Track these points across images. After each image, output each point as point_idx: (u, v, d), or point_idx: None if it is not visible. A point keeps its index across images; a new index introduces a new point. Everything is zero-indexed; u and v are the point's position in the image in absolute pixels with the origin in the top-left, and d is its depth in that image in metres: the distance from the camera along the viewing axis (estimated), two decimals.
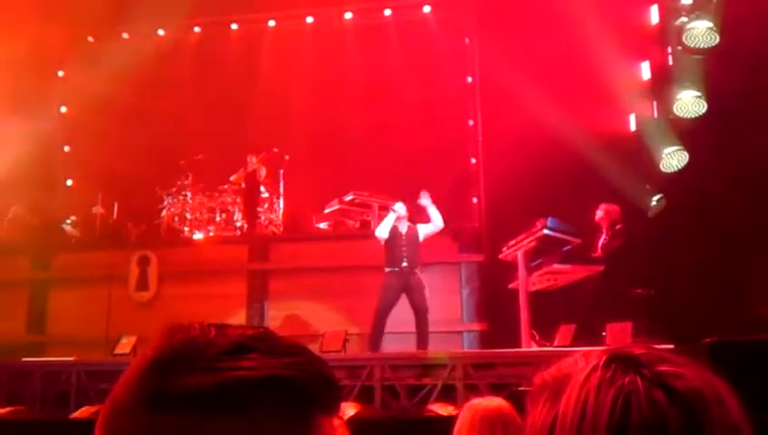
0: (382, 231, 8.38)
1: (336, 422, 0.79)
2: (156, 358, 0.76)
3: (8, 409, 7.38)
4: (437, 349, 8.01)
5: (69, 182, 12.65)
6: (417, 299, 8.17)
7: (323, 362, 0.80)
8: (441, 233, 9.85)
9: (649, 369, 0.80)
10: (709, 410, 0.78)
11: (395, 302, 8.22)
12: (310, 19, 12.73)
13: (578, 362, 0.85)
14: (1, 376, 7.88)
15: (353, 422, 2.23)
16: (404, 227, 8.42)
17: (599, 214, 8.34)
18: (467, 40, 11.95)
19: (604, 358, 0.83)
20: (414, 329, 8.17)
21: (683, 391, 0.78)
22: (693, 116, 9.43)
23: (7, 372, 7.94)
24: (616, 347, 0.85)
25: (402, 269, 8.20)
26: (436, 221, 8.53)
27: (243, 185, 11.26)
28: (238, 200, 11.39)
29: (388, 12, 12.52)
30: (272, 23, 12.89)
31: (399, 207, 8.43)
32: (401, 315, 8.28)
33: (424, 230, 8.51)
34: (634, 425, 0.76)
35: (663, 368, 0.80)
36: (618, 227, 8.22)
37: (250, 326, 0.81)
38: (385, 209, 9.29)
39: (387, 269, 8.30)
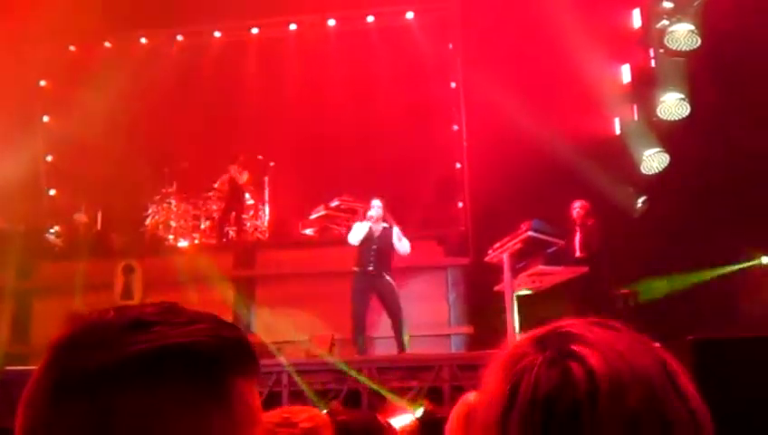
0: (353, 237, 8.32)
1: (254, 388, 0.77)
2: (56, 345, 0.75)
3: None
4: (425, 352, 8.01)
5: (52, 192, 12.56)
6: (388, 303, 8.10)
7: (232, 326, 0.78)
8: (427, 237, 9.87)
9: (559, 345, 0.79)
10: (600, 397, 0.74)
11: (366, 303, 8.16)
12: (293, 26, 12.73)
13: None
14: None
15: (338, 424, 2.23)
16: (378, 230, 8.33)
17: (577, 211, 8.38)
18: (450, 45, 11.99)
19: (534, 336, 0.83)
20: (410, 333, 8.16)
21: (577, 374, 0.75)
22: (676, 118, 9.50)
23: None
24: (555, 324, 0.84)
25: (367, 272, 8.13)
26: (404, 247, 8.33)
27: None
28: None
29: (371, 18, 12.54)
30: (255, 30, 12.87)
31: (374, 211, 8.33)
32: (387, 320, 8.27)
33: (397, 240, 8.38)
34: (521, 404, 0.76)
35: (573, 347, 0.78)
36: (590, 222, 8.26)
37: (152, 303, 0.79)
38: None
39: (354, 269, 8.23)
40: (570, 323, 0.82)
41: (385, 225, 8.35)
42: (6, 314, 10.43)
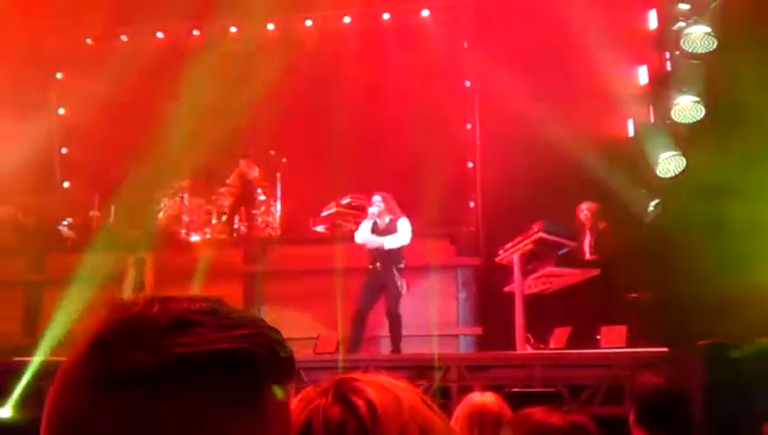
0: (359, 236, 8.29)
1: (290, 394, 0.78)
2: (98, 336, 0.74)
3: None
4: (434, 352, 7.99)
5: (66, 184, 12.64)
6: (390, 302, 8.05)
7: (274, 331, 0.77)
8: (438, 236, 9.84)
9: (338, 389, 1.00)
10: (380, 416, 0.96)
11: (372, 302, 8.10)
12: (309, 23, 12.74)
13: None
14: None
15: None
16: (383, 225, 8.25)
17: (585, 213, 8.33)
18: (465, 44, 11.95)
19: (316, 389, 1.03)
20: (414, 332, 8.13)
21: (358, 404, 0.97)
22: (691, 121, 9.42)
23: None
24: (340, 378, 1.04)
25: (376, 268, 8.10)
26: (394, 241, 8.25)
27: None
28: None
29: (386, 16, 12.53)
30: (270, 26, 12.90)
31: (374, 207, 8.27)
32: (404, 320, 8.24)
33: (402, 230, 8.27)
34: None
35: (350, 385, 1.00)
36: (602, 226, 8.21)
37: (198, 298, 0.77)
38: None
39: (369, 267, 8.19)
40: (343, 376, 1.04)
41: (391, 216, 8.23)
42: (18, 306, 10.50)
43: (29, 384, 7.55)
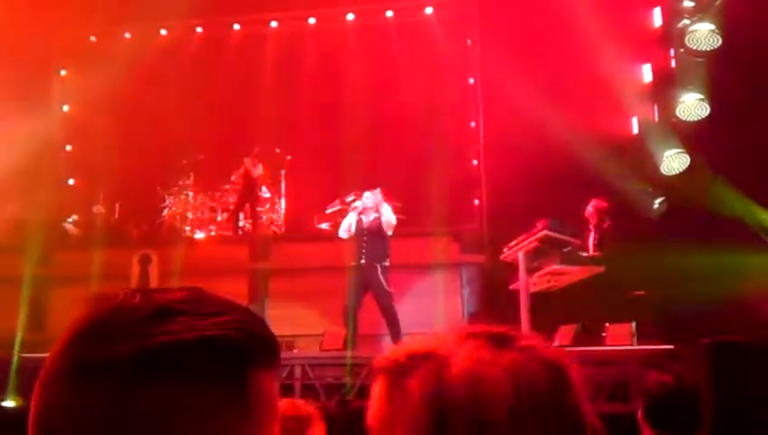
0: (342, 231, 8.25)
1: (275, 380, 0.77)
2: (80, 327, 0.73)
3: None
4: None
5: (71, 181, 12.66)
6: (379, 299, 7.96)
7: (257, 318, 0.77)
8: (443, 234, 9.82)
9: (518, 345, 0.89)
10: (567, 370, 0.89)
11: (359, 300, 8.04)
12: (312, 20, 12.75)
13: (444, 342, 0.90)
14: (4, 372, 7.92)
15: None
16: (368, 220, 8.19)
17: (588, 209, 8.32)
18: (469, 41, 11.95)
19: (477, 335, 0.90)
20: (418, 330, 8.10)
21: (551, 358, 0.89)
22: (695, 119, 9.43)
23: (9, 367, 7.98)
24: (474, 327, 0.93)
25: (361, 265, 8.05)
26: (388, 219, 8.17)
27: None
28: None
29: (390, 13, 12.54)
30: (274, 23, 12.91)
31: (359, 202, 8.23)
32: (405, 317, 8.25)
33: (387, 217, 8.18)
34: (524, 394, 0.84)
35: (527, 342, 0.90)
36: (606, 224, 8.20)
37: (180, 289, 0.77)
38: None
39: (352, 263, 8.18)
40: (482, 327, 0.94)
41: (376, 215, 8.21)
42: (24, 302, 10.52)
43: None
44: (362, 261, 8.01)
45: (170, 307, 0.73)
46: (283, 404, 2.03)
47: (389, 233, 8.17)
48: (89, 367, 0.70)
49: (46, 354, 0.77)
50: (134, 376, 0.69)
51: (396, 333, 7.95)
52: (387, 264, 8.12)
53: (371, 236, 8.10)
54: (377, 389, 0.90)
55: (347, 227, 8.17)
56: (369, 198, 8.22)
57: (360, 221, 8.15)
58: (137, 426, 0.69)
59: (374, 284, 7.98)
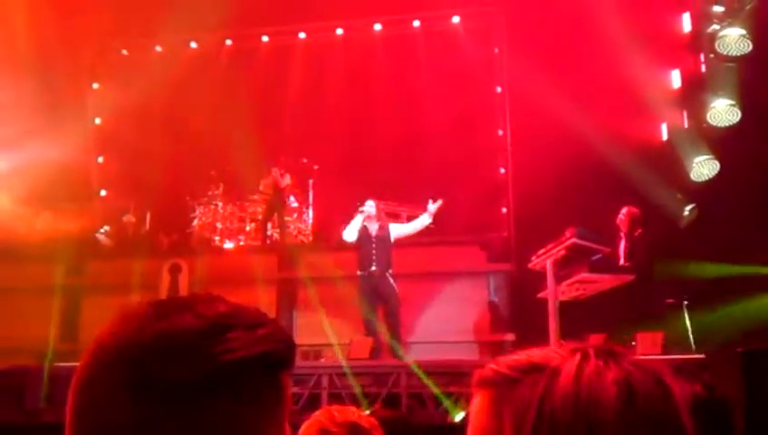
0: (348, 234, 8.29)
1: None
2: (133, 342, 0.75)
3: None
4: (467, 359, 7.97)
5: (103, 192, 12.86)
6: (390, 304, 8.03)
7: (281, 325, 0.83)
8: (470, 242, 9.80)
9: (626, 359, 0.87)
10: (672, 383, 0.87)
11: (374, 308, 8.10)
12: (339, 31, 12.82)
13: (551, 355, 0.89)
14: (36, 381, 8.03)
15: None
16: (374, 228, 8.25)
17: (620, 216, 8.23)
18: (496, 50, 11.93)
19: (585, 349, 0.88)
20: (444, 339, 8.08)
21: (657, 371, 0.87)
22: (726, 125, 9.30)
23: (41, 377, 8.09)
24: (578, 343, 0.91)
25: (371, 273, 8.07)
26: (415, 225, 8.36)
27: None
28: None
29: (417, 23, 12.56)
30: (302, 35, 13.01)
31: (368, 207, 8.28)
32: (433, 326, 8.23)
33: (396, 230, 8.35)
34: (638, 407, 0.83)
35: (633, 356, 0.88)
36: (637, 232, 8.10)
37: (214, 298, 0.81)
38: (413, 219, 9.28)
39: (358, 273, 8.19)
40: (586, 343, 0.92)
41: (379, 224, 8.27)
42: (56, 312, 10.68)
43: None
44: (373, 268, 8.05)
45: (221, 322, 0.77)
46: (343, 412, 2.02)
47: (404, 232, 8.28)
48: (151, 385, 0.73)
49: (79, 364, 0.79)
50: (202, 394, 0.73)
51: (397, 339, 7.98)
52: (391, 271, 8.20)
53: (380, 243, 8.21)
54: (479, 402, 0.89)
55: (352, 229, 8.23)
56: (372, 206, 8.29)
57: (366, 229, 8.20)
58: None
59: (385, 291, 8.05)
